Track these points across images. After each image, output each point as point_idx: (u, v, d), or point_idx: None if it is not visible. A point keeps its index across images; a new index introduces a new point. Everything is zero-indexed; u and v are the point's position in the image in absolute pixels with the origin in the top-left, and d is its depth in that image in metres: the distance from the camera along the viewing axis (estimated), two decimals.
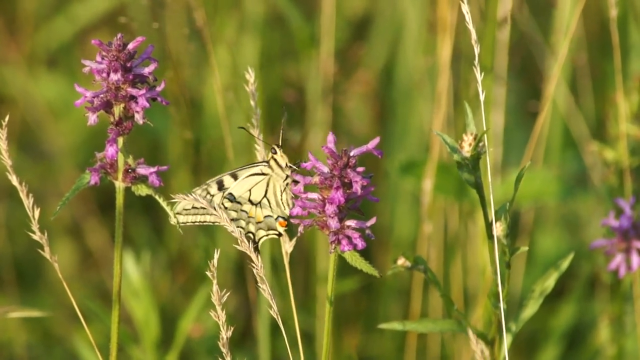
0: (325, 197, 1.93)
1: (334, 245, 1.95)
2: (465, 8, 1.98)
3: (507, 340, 2.10)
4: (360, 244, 1.94)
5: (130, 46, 1.94)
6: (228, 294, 1.91)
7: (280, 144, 2.06)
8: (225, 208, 2.07)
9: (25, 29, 3.82)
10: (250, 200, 2.07)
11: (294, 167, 2.06)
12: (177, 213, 2.07)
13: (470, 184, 2.00)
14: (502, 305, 2.07)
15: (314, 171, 1.95)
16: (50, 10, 3.89)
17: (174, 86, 3.03)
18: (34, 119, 3.74)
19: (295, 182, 1.97)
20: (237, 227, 2.07)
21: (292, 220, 1.99)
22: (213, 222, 2.07)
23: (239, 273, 3.33)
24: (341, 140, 3.45)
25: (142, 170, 1.99)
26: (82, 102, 1.95)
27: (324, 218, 1.94)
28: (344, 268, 2.02)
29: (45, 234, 1.99)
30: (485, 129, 2.02)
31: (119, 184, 1.99)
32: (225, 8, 3.46)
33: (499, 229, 2.03)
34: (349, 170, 1.92)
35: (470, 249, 3.17)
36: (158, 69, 1.96)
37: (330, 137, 1.95)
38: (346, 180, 1.93)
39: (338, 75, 3.30)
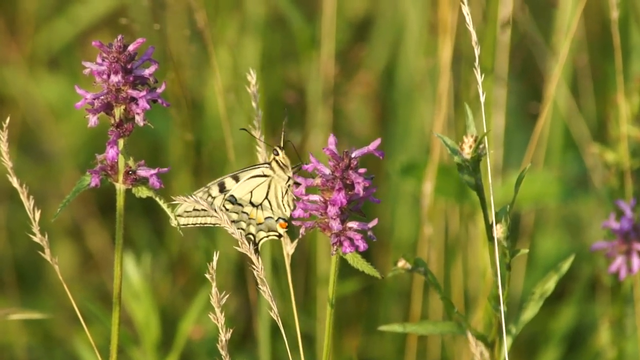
0: (327, 198, 1.93)
1: (335, 247, 1.95)
2: (465, 9, 1.98)
3: (507, 342, 2.09)
4: (362, 245, 1.94)
5: (131, 48, 1.94)
6: (227, 295, 1.91)
7: (282, 146, 2.06)
8: (227, 210, 2.07)
9: (26, 30, 3.82)
10: (251, 202, 2.07)
11: (296, 168, 2.06)
12: (178, 215, 2.07)
13: (471, 185, 2.00)
14: (502, 307, 2.07)
15: (316, 173, 1.94)
16: (51, 11, 3.89)
17: (175, 87, 3.03)
18: (34, 121, 3.74)
19: (297, 184, 1.97)
20: (238, 228, 2.07)
21: (293, 222, 1.98)
22: (214, 224, 2.07)
23: (240, 275, 3.33)
24: (342, 141, 3.45)
25: (143, 172, 1.98)
26: (83, 103, 1.95)
27: (326, 220, 1.94)
28: (344, 270, 2.01)
29: (46, 236, 1.99)
30: (485, 130, 2.02)
31: (120, 186, 1.98)
32: (226, 9, 3.46)
33: (499, 231, 2.03)
34: (350, 172, 1.92)
35: (471, 251, 3.17)
36: (159, 70, 1.96)
37: (332, 139, 1.94)
38: (348, 182, 1.93)
39: (339, 77, 3.30)
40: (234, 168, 2.10)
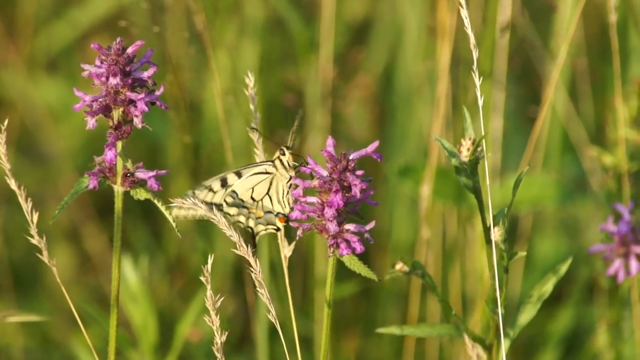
0: (324, 200, 1.93)
1: (332, 248, 1.95)
2: (464, 13, 1.98)
3: (505, 345, 2.09)
4: (358, 247, 1.94)
5: (130, 50, 1.94)
6: (224, 298, 1.91)
7: (291, 145, 2.07)
8: (227, 204, 2.08)
9: (25, 33, 3.82)
10: (252, 198, 2.08)
11: (298, 167, 2.06)
12: (176, 207, 2.07)
13: (469, 188, 2.01)
14: (500, 310, 2.07)
15: (314, 175, 1.95)
16: (49, 13, 3.89)
17: (174, 90, 3.03)
18: (33, 123, 3.74)
19: (295, 185, 1.98)
20: (237, 222, 2.08)
21: (291, 223, 1.99)
22: (211, 218, 2.07)
23: (238, 277, 3.33)
24: (340, 144, 3.45)
25: (141, 174, 1.99)
26: (81, 106, 1.95)
27: (323, 222, 1.94)
28: (342, 272, 2.02)
29: (44, 238, 1.99)
30: (483, 133, 2.02)
31: (118, 188, 1.99)
32: (225, 12, 3.46)
33: (497, 233, 2.03)
34: (348, 174, 1.93)
35: (469, 254, 3.17)
36: (158, 72, 1.96)
37: (330, 141, 1.95)
38: (345, 184, 1.93)
39: (337, 80, 3.30)
40: (233, 169, 2.11)
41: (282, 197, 2.07)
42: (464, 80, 3.11)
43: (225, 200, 2.08)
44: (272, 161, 2.07)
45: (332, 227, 1.93)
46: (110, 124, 1.95)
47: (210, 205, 2.09)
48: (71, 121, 3.75)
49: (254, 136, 2.15)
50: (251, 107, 2.16)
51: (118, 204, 1.99)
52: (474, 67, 1.99)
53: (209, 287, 1.90)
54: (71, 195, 1.96)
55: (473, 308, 3.12)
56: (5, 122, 1.99)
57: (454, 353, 3.14)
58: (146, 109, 1.94)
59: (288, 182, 2.07)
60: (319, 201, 1.94)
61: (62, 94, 3.77)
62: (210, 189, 2.08)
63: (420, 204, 2.97)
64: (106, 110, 1.95)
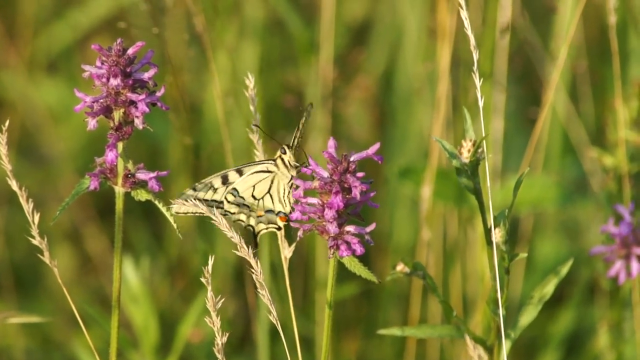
0: (325, 202, 1.93)
1: (332, 250, 1.95)
2: (464, 14, 1.98)
3: (506, 346, 2.09)
4: (359, 249, 1.94)
5: (130, 51, 1.94)
6: (225, 299, 1.91)
7: (296, 143, 2.07)
8: (228, 202, 2.08)
9: (25, 34, 3.82)
10: (253, 196, 2.08)
11: (300, 166, 2.06)
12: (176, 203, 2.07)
13: (469, 189, 2.01)
14: (501, 311, 2.07)
15: (314, 176, 1.95)
16: (50, 15, 3.89)
17: (174, 91, 3.03)
18: (33, 124, 3.74)
19: (296, 186, 1.98)
20: (238, 220, 2.08)
21: (291, 224, 1.99)
22: (212, 219, 2.07)
23: (238, 278, 3.33)
24: (341, 145, 3.45)
25: (142, 175, 1.99)
26: (82, 107, 1.95)
27: (323, 223, 1.94)
28: (343, 273, 2.02)
29: (45, 239, 1.99)
30: (484, 134, 2.02)
31: (119, 189, 1.99)
32: (225, 13, 3.46)
33: (498, 235, 2.03)
34: (348, 176, 1.93)
35: (470, 255, 3.17)
36: (158, 74, 1.96)
37: (331, 142, 1.95)
38: (346, 186, 1.93)
39: (338, 81, 3.30)
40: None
41: (283, 196, 2.07)
42: (464, 82, 3.11)
43: (226, 198, 2.08)
44: (274, 160, 2.07)
45: (333, 228, 1.93)
46: (111, 125, 1.95)
47: (210, 202, 2.08)
48: (71, 122, 3.76)
49: (254, 137, 2.15)
50: (251, 108, 2.16)
51: (119, 205, 1.99)
52: (475, 68, 2.00)
53: (209, 288, 1.90)
54: (72, 196, 1.96)
55: (474, 309, 3.12)
56: (6, 124, 1.99)
57: (455, 354, 3.14)
58: (147, 109, 1.94)
59: (289, 181, 2.07)
60: (320, 202, 1.94)
61: (63, 95, 3.77)
62: (211, 186, 2.08)
63: (421, 206, 2.97)
64: (107, 111, 1.95)
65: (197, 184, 2.08)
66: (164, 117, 3.43)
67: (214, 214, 1.93)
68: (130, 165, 1.98)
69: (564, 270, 2.11)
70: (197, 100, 3.54)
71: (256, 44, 3.49)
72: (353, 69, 3.46)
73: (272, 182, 2.07)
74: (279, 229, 2.08)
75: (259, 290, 1.94)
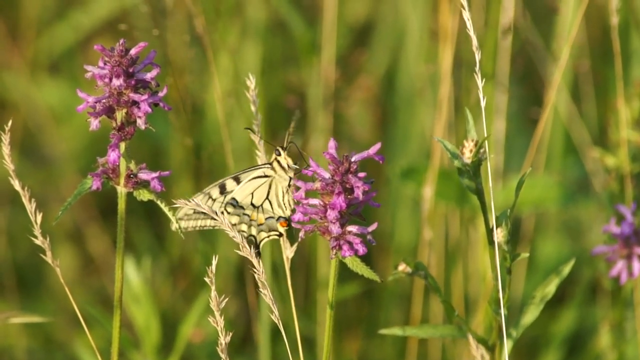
0: (327, 202, 1.93)
1: (335, 250, 1.95)
2: (466, 15, 1.98)
3: (507, 346, 2.10)
4: (361, 249, 1.94)
5: (133, 52, 1.94)
6: (227, 299, 1.91)
7: (285, 146, 2.07)
8: (228, 213, 2.08)
9: (28, 35, 3.83)
10: (252, 204, 2.07)
11: (298, 167, 2.06)
12: (179, 219, 2.07)
13: (471, 190, 2.01)
14: (502, 311, 2.07)
15: (316, 177, 1.95)
16: (52, 16, 3.90)
17: (175, 93, 3.03)
18: (36, 124, 3.74)
19: (297, 187, 1.98)
20: (239, 231, 2.08)
21: (293, 225, 1.99)
22: (214, 227, 2.07)
23: (240, 278, 3.33)
24: (342, 146, 3.46)
25: (144, 175, 1.99)
26: (85, 107, 1.95)
27: (326, 224, 1.94)
28: (344, 273, 2.02)
29: (47, 239, 2.00)
30: (486, 135, 2.02)
31: (121, 189, 1.99)
32: (227, 14, 3.47)
33: (499, 235, 2.04)
34: (350, 176, 1.93)
35: (471, 255, 3.17)
36: (159, 75, 1.96)
37: (332, 143, 1.95)
38: (347, 186, 1.93)
39: (339, 82, 3.30)
40: (233, 172, 2.10)
41: (282, 200, 2.06)
42: (466, 82, 3.11)
43: (226, 209, 2.07)
44: (270, 163, 2.07)
45: (335, 229, 1.93)
46: (114, 125, 1.96)
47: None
48: (74, 123, 3.76)
49: (255, 138, 2.15)
50: (252, 109, 2.16)
51: (121, 205, 1.99)
52: (477, 69, 2.00)
53: (213, 287, 1.91)
54: (74, 196, 1.96)
55: (476, 309, 3.12)
56: (9, 124, 1.99)
57: (456, 354, 3.14)
58: (149, 110, 1.94)
59: (288, 183, 2.06)
60: (321, 203, 1.94)
61: (65, 95, 3.78)
62: (209, 197, 2.08)
63: (423, 206, 2.97)
64: (109, 111, 1.95)
65: (194, 196, 2.07)
66: (166, 118, 3.44)
67: (216, 213, 1.93)
68: (132, 166, 1.98)
69: (566, 270, 2.11)
70: (198, 101, 3.54)
71: (258, 45, 3.49)
72: (355, 70, 3.46)
73: (270, 186, 2.07)
74: (281, 235, 2.08)
75: (261, 289, 1.94)
